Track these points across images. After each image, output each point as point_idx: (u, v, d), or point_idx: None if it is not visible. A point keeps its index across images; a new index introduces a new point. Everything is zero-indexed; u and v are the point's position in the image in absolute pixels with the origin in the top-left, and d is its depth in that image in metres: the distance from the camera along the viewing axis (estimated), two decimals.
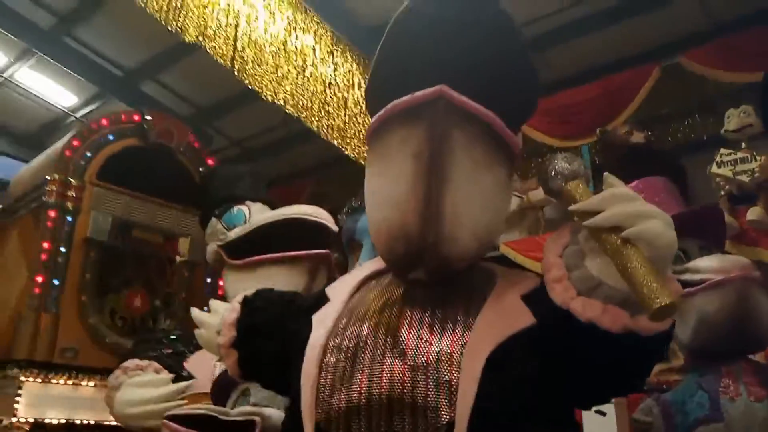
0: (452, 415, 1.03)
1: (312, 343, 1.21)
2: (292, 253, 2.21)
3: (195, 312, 1.63)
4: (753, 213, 3.51)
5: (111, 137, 4.25)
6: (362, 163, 5.17)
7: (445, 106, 1.11)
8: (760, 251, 3.57)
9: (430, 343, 1.11)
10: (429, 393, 1.06)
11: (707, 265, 1.98)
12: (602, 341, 1.00)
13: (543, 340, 1.09)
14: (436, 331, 1.13)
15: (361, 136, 5.03)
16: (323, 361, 1.17)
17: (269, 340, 1.38)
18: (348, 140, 4.92)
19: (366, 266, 1.45)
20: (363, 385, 1.10)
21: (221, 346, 1.44)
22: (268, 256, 2.22)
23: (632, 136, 4.34)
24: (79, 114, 7.53)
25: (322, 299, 1.36)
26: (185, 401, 2.09)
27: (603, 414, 3.37)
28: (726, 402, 1.86)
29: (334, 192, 5.64)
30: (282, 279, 2.07)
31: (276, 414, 1.91)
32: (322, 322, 1.26)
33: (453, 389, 1.05)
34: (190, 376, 2.27)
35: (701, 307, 1.88)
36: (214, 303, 1.62)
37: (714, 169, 3.81)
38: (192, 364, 2.35)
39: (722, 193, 3.79)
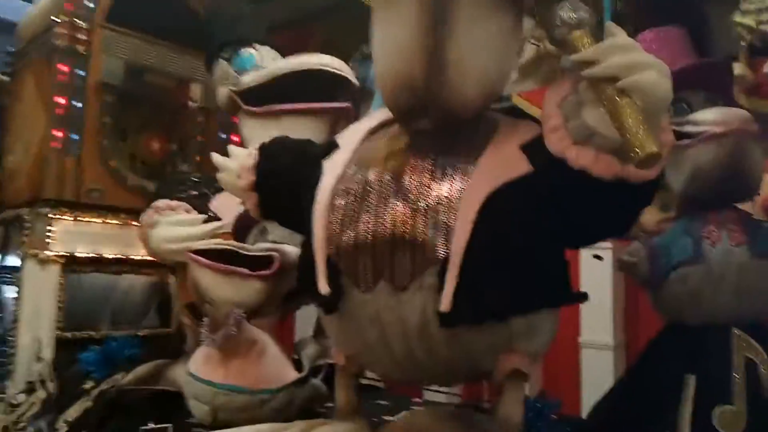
0: (447, 251, 1.15)
1: (323, 187, 1.32)
2: (317, 105, 2.26)
3: (216, 157, 1.72)
4: None
5: None
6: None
7: None
8: None
9: (431, 188, 1.20)
10: (427, 232, 1.17)
11: (706, 117, 2.03)
12: (594, 187, 1.09)
13: (538, 186, 1.17)
14: (437, 177, 1.21)
15: None
16: (333, 203, 1.28)
17: (285, 184, 1.49)
18: None
19: (374, 116, 1.51)
20: (369, 225, 1.22)
21: (242, 188, 1.56)
22: (292, 106, 2.27)
23: None
24: None
25: (332, 146, 1.45)
26: (218, 239, 2.23)
27: (600, 258, 3.57)
28: (707, 246, 2.00)
29: (344, 38, 5.49)
30: (304, 130, 2.12)
31: (293, 250, 2.06)
32: (332, 167, 1.35)
33: (449, 229, 1.16)
34: (216, 217, 2.41)
35: (696, 158, 1.94)
36: (232, 148, 1.70)
37: (738, 17, 3.66)
38: (217, 205, 2.47)
39: (743, 43, 3.67)
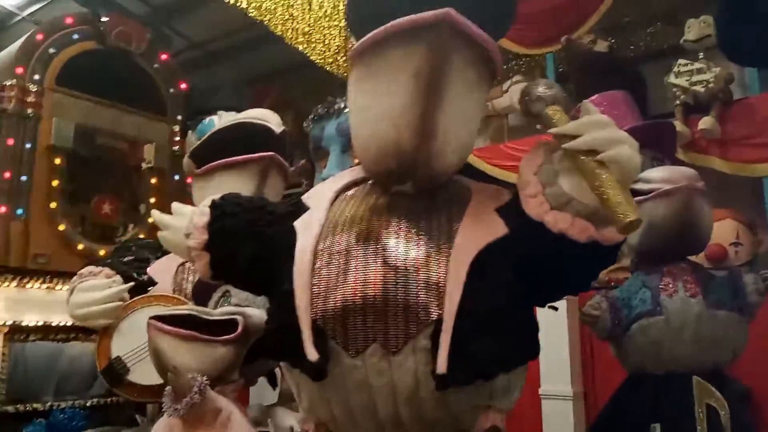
0: (440, 312, 1.16)
1: (301, 248, 1.28)
2: (237, 157, 2.20)
3: (158, 215, 1.61)
4: (705, 122, 3.66)
5: (69, 40, 4.09)
6: (327, 69, 5.09)
7: (450, 30, 1.16)
8: (710, 158, 3.77)
9: (419, 248, 1.22)
10: (419, 292, 1.18)
11: (657, 175, 2.14)
12: (568, 249, 1.15)
13: (516, 247, 1.21)
14: (422, 237, 1.24)
15: (327, 40, 4.92)
16: (315, 265, 1.25)
17: (243, 244, 1.41)
18: (313, 45, 4.82)
19: (340, 177, 1.51)
20: (357, 287, 1.20)
21: (192, 248, 1.44)
22: (219, 162, 2.22)
23: (596, 45, 4.39)
24: (26, 12, 7.10)
25: (300, 207, 1.42)
26: (121, 302, 2.10)
27: (555, 309, 3.61)
28: (665, 298, 2.09)
29: (298, 98, 5.57)
30: (234, 184, 2.06)
31: (257, 313, 2.01)
32: (307, 228, 1.32)
33: (441, 290, 1.17)
34: (150, 281, 2.32)
35: (650, 213, 2.03)
36: (177, 206, 1.60)
37: (671, 79, 3.90)
38: (155, 269, 2.39)
39: (678, 102, 3.90)
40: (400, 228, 1.26)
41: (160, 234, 1.59)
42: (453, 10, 1.14)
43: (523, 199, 1.21)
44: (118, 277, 2.19)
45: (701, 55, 3.94)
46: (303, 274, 1.25)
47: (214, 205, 1.47)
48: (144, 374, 1.98)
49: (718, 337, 2.05)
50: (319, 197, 1.43)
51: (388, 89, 1.23)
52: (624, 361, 2.23)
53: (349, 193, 1.42)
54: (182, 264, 2.29)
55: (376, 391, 1.22)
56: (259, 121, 2.27)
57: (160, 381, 1.94)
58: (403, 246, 1.23)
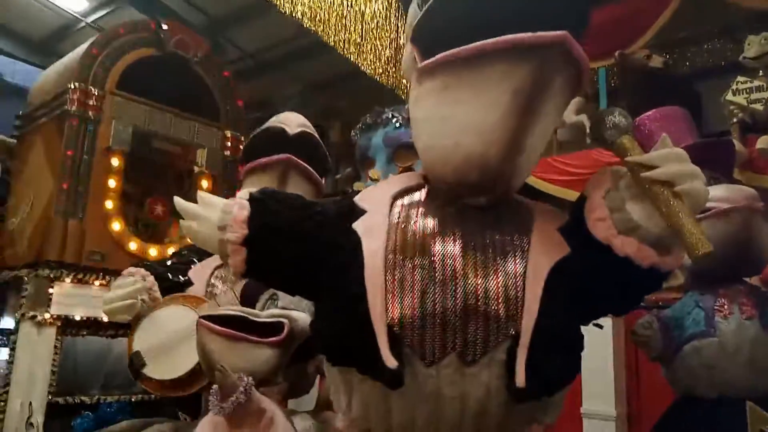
0: (518, 327, 1.17)
1: (371, 252, 1.26)
2: (254, 162, 2.23)
3: (183, 203, 1.50)
4: (763, 141, 3.57)
5: (129, 46, 4.24)
6: (377, 79, 5.14)
7: (559, 53, 1.16)
8: (766, 178, 3.66)
9: (497, 263, 1.23)
10: (500, 306, 1.19)
11: (716, 194, 2.07)
12: (629, 272, 1.20)
13: (579, 267, 1.24)
14: (499, 252, 1.25)
15: (377, 50, 4.98)
16: (389, 271, 1.24)
17: (289, 242, 1.36)
18: (364, 55, 4.88)
19: (393, 181, 1.49)
20: (437, 296, 1.20)
21: (231, 242, 1.37)
22: (246, 167, 2.27)
23: (651, 60, 4.33)
24: (89, 19, 7.41)
25: (354, 209, 1.38)
26: (141, 299, 2.13)
27: (600, 327, 3.56)
28: (720, 320, 2.03)
29: (346, 107, 5.64)
30: (257, 187, 2.14)
31: (303, 317, 2.04)
32: (371, 232, 1.30)
33: (519, 304, 1.19)
34: (187, 283, 2.38)
35: (707, 233, 1.98)
36: (205, 195, 1.51)
37: (729, 96, 3.83)
38: (196, 271, 2.45)
39: (735, 120, 3.82)
40: (475, 240, 1.27)
41: (184, 224, 1.49)
42: (568, 34, 1.14)
43: (591, 221, 1.24)
44: (151, 278, 2.23)
45: (761, 72, 3.85)
46: (376, 277, 1.23)
47: (253, 199, 1.41)
48: (159, 369, 2.03)
49: None
50: (375, 201, 1.40)
51: (482, 102, 1.22)
52: (674, 382, 2.17)
53: (406, 199, 1.40)
54: (219, 266, 2.34)
55: (446, 402, 1.21)
56: (275, 124, 2.29)
57: (173, 376, 2.00)
58: (481, 258, 1.24)
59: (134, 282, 2.15)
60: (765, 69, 3.86)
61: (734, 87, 3.83)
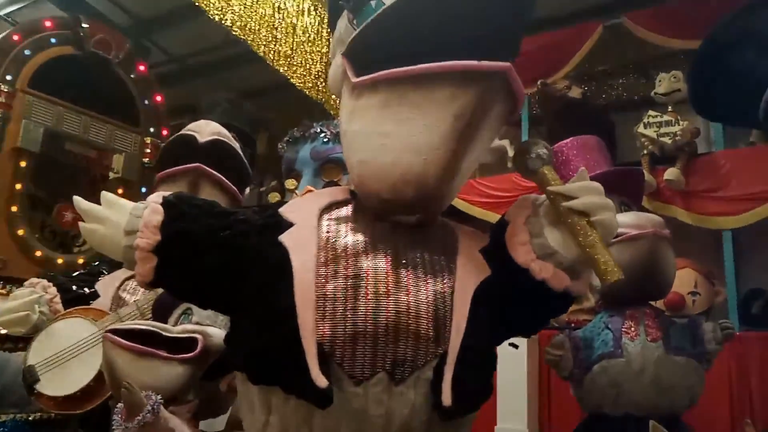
0: (446, 346, 1.19)
1: (301, 267, 1.22)
2: (165, 171, 2.19)
3: (85, 204, 1.37)
4: (670, 173, 3.77)
5: (46, 43, 4.04)
6: (305, 92, 5.11)
7: (501, 83, 1.20)
8: (673, 208, 3.89)
9: (427, 282, 1.25)
10: (429, 325, 1.20)
11: (625, 220, 2.19)
12: (544, 295, 1.25)
13: (499, 288, 1.28)
14: (428, 271, 1.27)
15: (308, 64, 4.95)
16: (319, 287, 1.20)
17: (207, 252, 1.28)
18: (294, 68, 4.84)
19: (320, 195, 1.46)
20: (369, 313, 1.18)
21: (140, 248, 1.27)
22: (158, 175, 2.22)
23: (570, 91, 4.53)
24: (3, 12, 7.00)
25: (280, 221, 1.33)
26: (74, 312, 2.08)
27: (516, 347, 3.65)
28: (627, 341, 2.12)
29: (274, 119, 5.57)
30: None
31: (218, 333, 1.96)
32: (300, 246, 1.26)
33: (448, 323, 1.21)
34: (92, 295, 2.27)
35: (616, 257, 2.06)
36: (109, 196, 1.39)
37: (641, 129, 4.03)
38: (102, 283, 2.34)
39: (645, 152, 4.02)
40: (406, 258, 1.27)
41: (85, 227, 1.36)
42: (511, 65, 1.18)
43: (512, 245, 1.28)
44: (53, 289, 2.14)
45: (670, 108, 4.09)
46: (306, 292, 1.18)
47: (167, 203, 1.31)
48: (52, 385, 1.94)
49: (677, 382, 2.08)
50: (302, 214, 1.35)
51: (426, 123, 1.22)
52: (583, 401, 2.25)
53: (334, 213, 1.37)
54: (129, 278, 2.25)
55: (371, 420, 1.19)
56: (186, 132, 2.23)
57: (66, 392, 1.91)
58: (412, 277, 1.24)
59: (31, 293, 2.04)
60: (674, 105, 4.10)
61: (645, 120, 4.04)
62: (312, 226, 1.31)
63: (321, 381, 1.11)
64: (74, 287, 2.22)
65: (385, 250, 1.27)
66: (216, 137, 2.23)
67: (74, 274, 2.33)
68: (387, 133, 1.26)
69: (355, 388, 1.18)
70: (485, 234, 1.41)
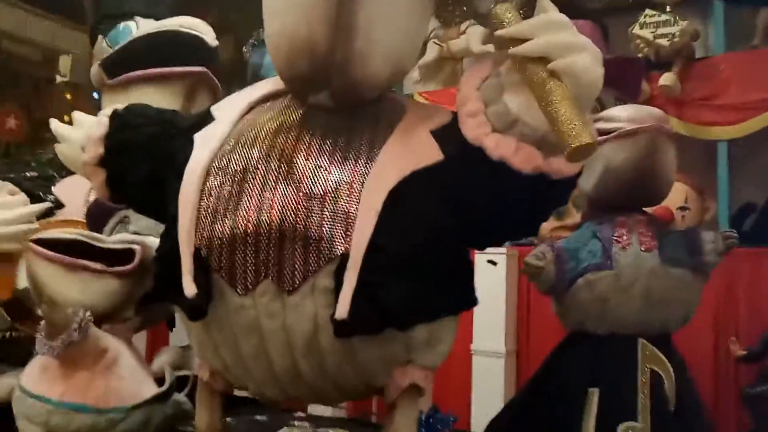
0: (347, 247, 1.00)
1: (193, 163, 1.14)
2: (163, 69, 2.05)
3: (56, 124, 1.52)
4: (666, 79, 3.54)
5: None
6: None
7: None
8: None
9: (329, 172, 1.06)
10: (324, 223, 1.02)
11: (621, 114, 1.94)
12: (510, 180, 1.00)
13: (449, 177, 1.06)
14: (336, 159, 1.07)
15: None
16: (206, 184, 1.10)
17: (142, 160, 1.28)
18: None
19: (260, 86, 1.33)
20: (251, 213, 1.04)
21: (86, 163, 1.33)
22: (138, 73, 2.07)
23: None
24: None
25: (206, 118, 1.26)
26: (40, 226, 1.93)
27: (494, 263, 3.53)
28: (617, 251, 1.90)
29: (238, 21, 5.22)
30: (154, 99, 1.90)
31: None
32: (205, 142, 1.17)
33: (350, 220, 1.02)
34: (57, 202, 2.13)
35: (609, 156, 1.86)
36: (78, 115, 1.49)
37: (636, 29, 3.78)
38: (62, 189, 2.21)
39: (640, 56, 3.78)
40: (311, 147, 1.09)
41: (57, 147, 1.52)
42: None
43: (461, 118, 1.06)
44: (24, 196, 1.99)
45: (668, 8, 3.81)
46: (189, 194, 1.09)
47: (115, 116, 1.34)
48: None
49: (670, 296, 1.88)
50: (228, 108, 1.26)
51: None
52: (564, 317, 2.05)
53: (266, 105, 1.24)
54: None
55: (268, 336, 1.06)
56: (188, 30, 2.09)
57: None
58: (311, 167, 1.06)
59: (18, 203, 1.91)
60: (673, 5, 3.83)
61: (642, 20, 3.77)
62: (230, 121, 1.20)
63: (189, 290, 1.04)
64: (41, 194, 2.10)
65: (288, 138, 1.10)
66: (217, 42, 2.15)
67: (28, 176, 2.21)
68: None
69: (241, 299, 1.05)
70: (451, 110, 1.16)
